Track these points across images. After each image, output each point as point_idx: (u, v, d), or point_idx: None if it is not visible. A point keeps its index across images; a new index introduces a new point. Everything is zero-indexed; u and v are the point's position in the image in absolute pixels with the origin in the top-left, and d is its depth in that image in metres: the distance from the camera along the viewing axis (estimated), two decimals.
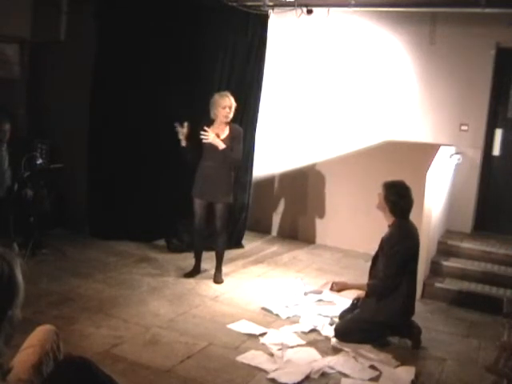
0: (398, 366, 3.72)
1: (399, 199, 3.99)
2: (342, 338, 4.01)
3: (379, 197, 4.09)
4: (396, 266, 3.92)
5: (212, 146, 4.88)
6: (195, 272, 5.24)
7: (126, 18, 5.84)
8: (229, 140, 4.94)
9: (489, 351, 3.99)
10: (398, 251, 3.91)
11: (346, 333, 4.03)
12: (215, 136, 4.87)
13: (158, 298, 4.62)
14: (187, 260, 5.56)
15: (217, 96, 4.97)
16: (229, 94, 4.98)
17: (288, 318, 4.41)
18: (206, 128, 4.89)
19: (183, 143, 4.88)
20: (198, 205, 5.08)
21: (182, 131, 4.84)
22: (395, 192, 4.00)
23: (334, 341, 4.03)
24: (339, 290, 4.28)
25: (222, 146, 4.88)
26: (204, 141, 4.87)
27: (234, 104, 4.98)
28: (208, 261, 5.37)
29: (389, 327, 4.03)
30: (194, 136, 4.88)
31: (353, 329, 4.02)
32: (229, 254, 5.65)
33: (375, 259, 4.17)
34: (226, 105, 4.92)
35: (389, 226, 4.09)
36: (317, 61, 6.78)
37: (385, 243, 4.01)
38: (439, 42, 6.21)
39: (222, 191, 4.99)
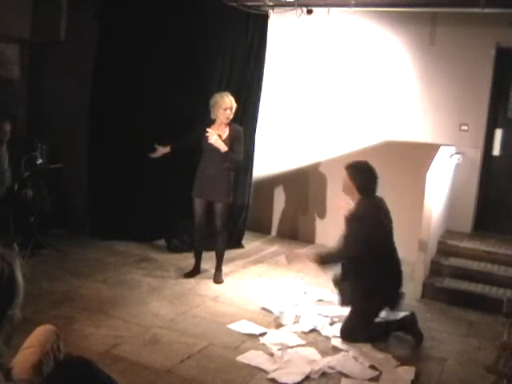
0: (398, 366, 3.72)
1: (365, 178, 4.09)
2: (350, 339, 3.98)
3: (344, 180, 4.14)
4: (357, 237, 3.91)
5: (212, 146, 4.88)
6: (195, 272, 5.23)
7: (126, 17, 5.84)
8: (229, 140, 4.94)
9: (489, 351, 3.99)
10: (359, 225, 3.93)
11: (352, 331, 3.99)
12: (218, 138, 4.88)
13: (158, 298, 4.62)
14: (187, 260, 5.56)
15: (217, 97, 4.96)
16: (229, 95, 4.97)
17: (288, 319, 4.40)
18: (208, 129, 4.90)
19: (168, 150, 5.17)
20: (198, 204, 5.08)
21: (159, 153, 5.18)
22: (360, 172, 4.11)
23: (333, 341, 4.03)
24: (292, 261, 4.38)
25: (224, 148, 4.87)
26: (208, 141, 4.88)
27: (234, 105, 4.97)
28: (208, 261, 5.37)
29: (386, 305, 4.05)
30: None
31: (357, 325, 3.99)
32: (229, 254, 5.65)
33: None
34: (227, 106, 4.90)
35: (354, 204, 4.12)
36: (317, 61, 6.78)
37: (348, 219, 4.03)
38: (439, 42, 6.21)
39: (222, 191, 4.99)
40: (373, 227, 3.96)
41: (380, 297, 4.00)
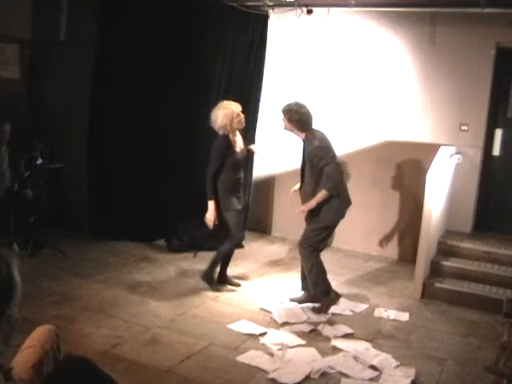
0: (397, 366, 3.72)
1: (301, 116, 4.47)
2: (301, 245, 4.58)
3: (284, 121, 4.55)
4: (333, 167, 4.41)
5: (242, 159, 4.84)
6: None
7: (127, 17, 5.83)
8: (246, 145, 4.94)
9: (489, 351, 3.99)
10: (327, 154, 4.43)
11: (304, 238, 4.57)
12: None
13: (158, 298, 4.62)
14: (187, 260, 5.57)
15: (220, 110, 4.63)
16: (230, 101, 4.80)
17: (287, 319, 4.40)
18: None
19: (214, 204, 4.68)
20: (240, 213, 4.91)
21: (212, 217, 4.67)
22: (295, 112, 4.48)
23: (333, 341, 4.04)
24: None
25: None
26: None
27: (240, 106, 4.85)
28: (207, 261, 5.37)
29: (331, 228, 4.66)
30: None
31: (308, 236, 4.56)
32: None
33: (303, 172, 4.66)
34: (237, 111, 4.69)
35: (303, 140, 4.56)
36: (317, 61, 6.77)
37: (313, 155, 4.45)
38: (439, 42, 6.21)
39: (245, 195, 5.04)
40: (330, 151, 4.50)
41: (331, 216, 4.54)
